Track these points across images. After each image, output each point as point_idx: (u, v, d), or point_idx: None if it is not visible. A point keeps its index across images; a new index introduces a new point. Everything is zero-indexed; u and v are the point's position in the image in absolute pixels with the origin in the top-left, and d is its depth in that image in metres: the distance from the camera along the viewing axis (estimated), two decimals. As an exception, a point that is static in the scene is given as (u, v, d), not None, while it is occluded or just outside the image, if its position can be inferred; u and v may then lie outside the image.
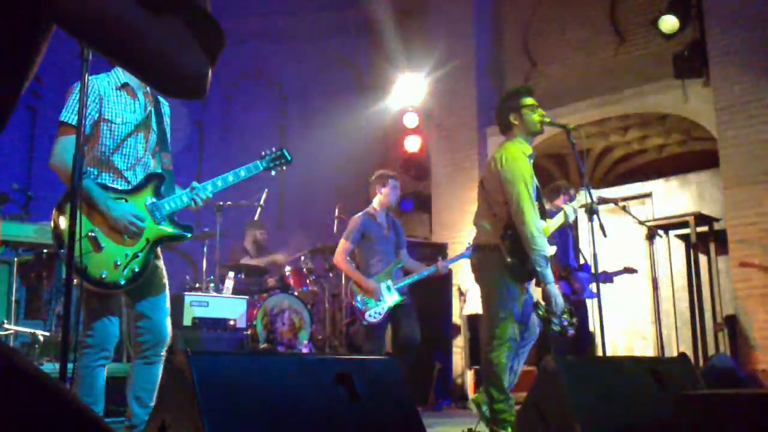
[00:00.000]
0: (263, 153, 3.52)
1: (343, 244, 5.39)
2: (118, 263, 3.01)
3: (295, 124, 10.29)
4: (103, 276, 2.97)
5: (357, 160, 9.07)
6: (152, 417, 2.17)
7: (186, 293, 5.78)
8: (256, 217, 7.31)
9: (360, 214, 5.50)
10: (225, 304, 5.91)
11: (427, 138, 8.84)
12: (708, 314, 6.48)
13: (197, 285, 6.41)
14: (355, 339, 6.77)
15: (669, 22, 6.65)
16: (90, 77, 2.95)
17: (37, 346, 4.86)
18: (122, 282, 3.01)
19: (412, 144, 8.83)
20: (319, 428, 2.09)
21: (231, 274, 6.52)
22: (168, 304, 3.22)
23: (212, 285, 6.29)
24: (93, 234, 2.97)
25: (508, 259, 3.87)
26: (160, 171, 3.23)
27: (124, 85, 3.16)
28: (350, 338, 6.96)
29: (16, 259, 5.31)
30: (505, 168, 3.93)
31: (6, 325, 4.84)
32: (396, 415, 2.30)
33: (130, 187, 3.12)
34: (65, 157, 2.86)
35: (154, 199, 3.15)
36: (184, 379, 1.96)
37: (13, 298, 5.18)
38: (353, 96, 9.97)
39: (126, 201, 3.07)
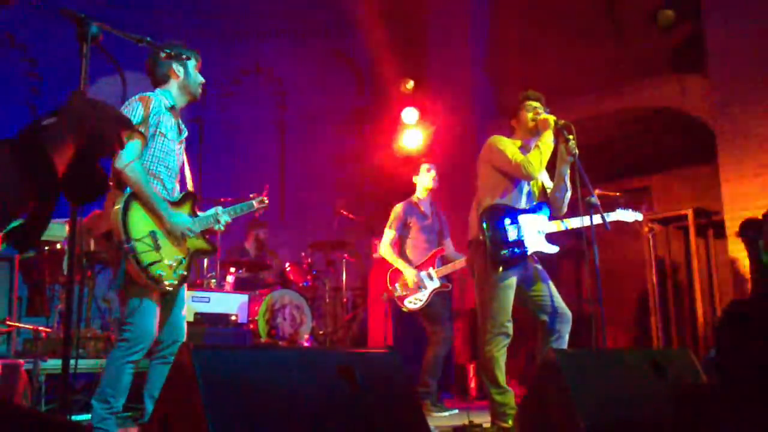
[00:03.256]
0: (252, 195, 3.99)
1: (386, 234, 5.51)
2: (172, 265, 3.24)
3: (294, 119, 10.29)
4: (161, 274, 3.18)
5: (357, 155, 9.09)
6: (155, 411, 2.19)
7: (188, 289, 5.80)
8: (256, 214, 7.31)
9: (402, 202, 5.61)
10: (226, 300, 5.94)
11: (426, 134, 8.84)
12: (707, 307, 6.51)
13: (198, 281, 6.42)
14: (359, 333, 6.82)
15: (667, 16, 6.65)
16: (150, 93, 3.33)
17: (39, 342, 4.88)
18: (175, 283, 3.26)
19: (412, 140, 8.83)
20: (321, 421, 2.10)
21: (232, 269, 6.54)
22: (186, 308, 3.46)
23: (213, 281, 6.30)
24: (154, 234, 3.19)
25: (481, 237, 3.88)
26: (193, 192, 3.56)
27: (172, 108, 3.43)
28: (353, 333, 6.99)
29: (18, 256, 5.33)
30: (489, 144, 4.08)
31: (9, 322, 4.86)
32: (398, 408, 2.31)
33: (173, 200, 3.37)
34: (135, 165, 3.14)
35: (190, 215, 3.43)
36: (187, 374, 1.98)
37: (15, 295, 5.21)
38: (352, 91, 9.98)
39: None
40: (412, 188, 5.78)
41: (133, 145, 3.16)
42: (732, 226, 6.25)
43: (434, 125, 8.69)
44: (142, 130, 3.22)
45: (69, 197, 1.07)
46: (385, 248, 5.46)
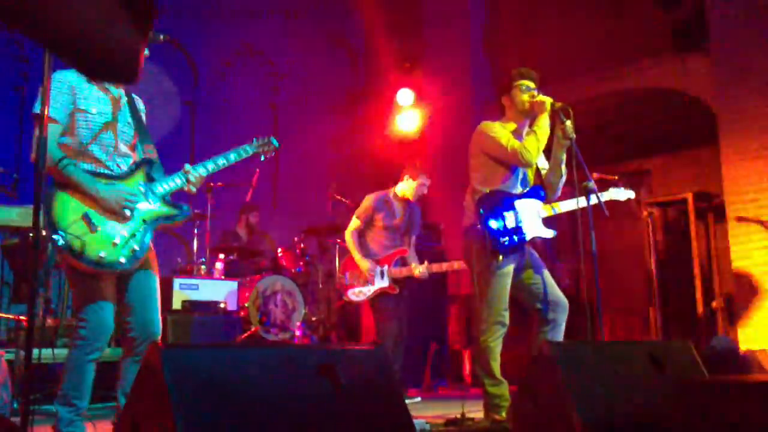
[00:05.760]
0: (252, 139, 3.53)
1: (352, 222, 5.43)
2: (117, 242, 2.99)
3: (288, 102, 10.13)
4: (102, 255, 2.93)
5: (351, 138, 8.94)
6: (125, 412, 2.08)
7: (175, 276, 5.69)
8: (248, 198, 7.18)
9: (377, 196, 5.45)
10: (215, 287, 5.83)
11: (422, 116, 8.69)
12: (707, 292, 6.41)
13: (188, 267, 6.30)
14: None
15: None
16: (60, 71, 3.00)
17: (22, 332, 4.76)
18: (123, 261, 2.99)
19: (407, 122, 8.68)
20: (301, 424, 1.99)
21: (221, 255, 6.43)
22: (159, 298, 3.18)
23: (203, 267, 6.18)
24: (86, 215, 2.96)
25: (479, 225, 3.75)
26: (148, 158, 3.22)
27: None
28: (344, 319, 6.90)
29: (2, 243, 5.21)
30: (481, 132, 3.93)
31: (-9, 312, 4.75)
32: (381, 405, 2.20)
33: (119, 174, 3.11)
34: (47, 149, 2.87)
35: (145, 183, 3.16)
36: (156, 375, 1.86)
37: (0, 282, 5.09)
38: (346, 73, 9.81)
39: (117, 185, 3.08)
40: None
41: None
42: (732, 209, 6.13)
43: (430, 106, 8.54)
44: (55, 115, 2.96)
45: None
46: (348, 235, 5.41)
